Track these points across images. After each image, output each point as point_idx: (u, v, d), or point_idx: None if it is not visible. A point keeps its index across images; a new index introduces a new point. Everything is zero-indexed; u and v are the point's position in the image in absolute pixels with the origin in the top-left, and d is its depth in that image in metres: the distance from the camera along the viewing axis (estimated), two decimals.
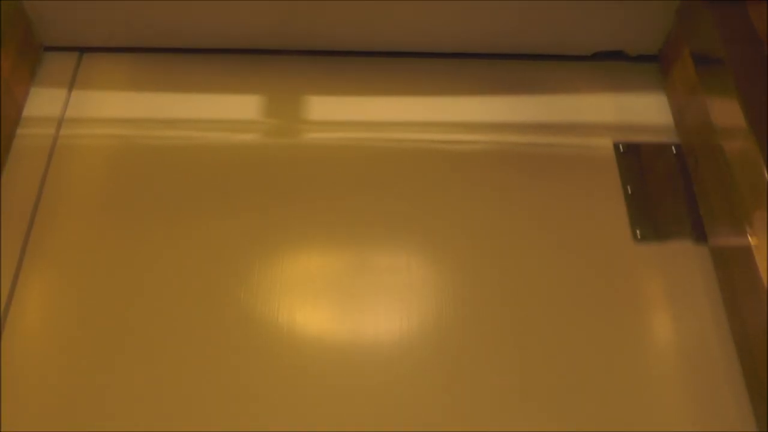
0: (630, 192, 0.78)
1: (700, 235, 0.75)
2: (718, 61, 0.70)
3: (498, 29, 0.85)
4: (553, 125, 0.84)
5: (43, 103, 0.82)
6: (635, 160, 0.81)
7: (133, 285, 0.71)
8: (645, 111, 0.85)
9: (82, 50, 0.87)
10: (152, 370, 0.67)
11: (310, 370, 0.67)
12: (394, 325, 0.70)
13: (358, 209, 0.77)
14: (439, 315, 0.70)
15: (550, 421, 0.65)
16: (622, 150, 0.81)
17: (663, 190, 0.78)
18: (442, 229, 0.76)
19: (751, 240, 0.65)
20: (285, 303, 0.71)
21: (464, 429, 0.65)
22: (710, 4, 0.73)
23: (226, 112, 0.83)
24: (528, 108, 0.85)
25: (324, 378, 0.67)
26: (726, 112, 0.69)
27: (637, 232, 0.76)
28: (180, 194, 0.77)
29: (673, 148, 0.81)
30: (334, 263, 0.74)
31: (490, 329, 0.70)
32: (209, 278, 0.72)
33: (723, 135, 0.71)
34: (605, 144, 0.82)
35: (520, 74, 0.88)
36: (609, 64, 0.89)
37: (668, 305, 0.72)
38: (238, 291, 0.71)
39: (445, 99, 0.85)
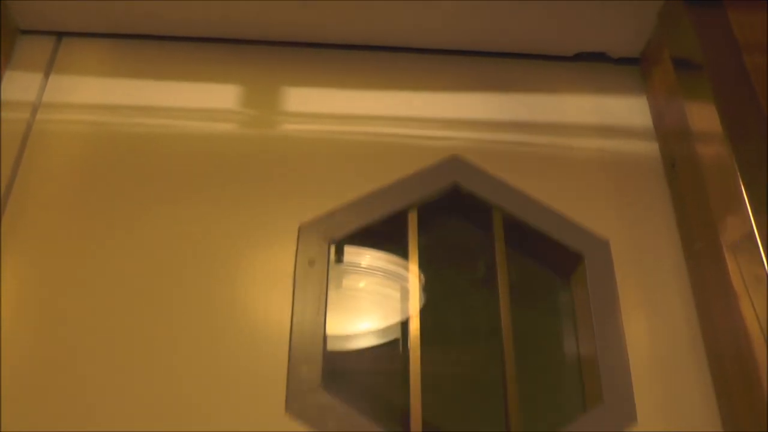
0: None
1: None
2: (698, 65, 0.71)
3: (482, 27, 0.85)
4: (534, 124, 0.84)
5: (18, 87, 0.81)
6: None
7: (107, 272, 0.71)
8: (625, 113, 0.86)
9: (61, 35, 0.86)
10: (125, 358, 0.66)
11: (284, 362, 0.67)
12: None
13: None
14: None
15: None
16: None
17: None
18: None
19: (723, 243, 0.65)
20: (261, 294, 0.70)
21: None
22: (691, 9, 0.73)
23: (204, 101, 0.83)
24: (509, 106, 0.85)
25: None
26: (703, 117, 0.70)
27: None
28: (156, 182, 0.76)
29: None
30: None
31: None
32: (184, 267, 0.71)
33: (699, 139, 0.71)
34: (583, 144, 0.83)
35: (502, 72, 0.88)
36: (591, 65, 0.89)
37: (643, 305, 0.72)
38: (213, 281, 0.71)
39: (425, 95, 0.85)
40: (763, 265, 0.58)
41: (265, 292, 0.71)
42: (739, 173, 0.62)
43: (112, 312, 0.69)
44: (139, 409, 0.64)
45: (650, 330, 0.71)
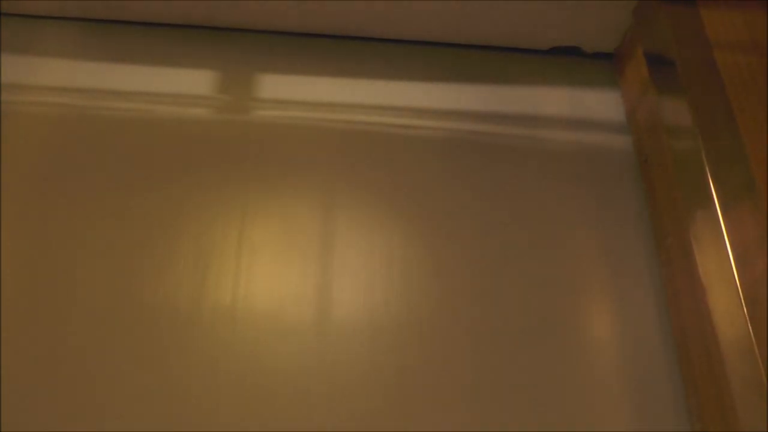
0: None
1: None
2: (670, 62, 0.71)
3: (458, 18, 0.85)
4: (508, 116, 0.84)
5: None
6: None
7: (75, 258, 0.70)
8: (598, 107, 0.86)
9: (31, 17, 0.85)
10: (96, 343, 0.65)
11: (261, 350, 0.67)
12: (344, 305, 0.70)
13: (308, 189, 0.76)
14: (386, 299, 0.71)
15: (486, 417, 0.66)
16: None
17: None
18: (392, 211, 0.76)
19: (692, 237, 0.66)
20: (233, 280, 0.70)
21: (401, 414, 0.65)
22: (664, 6, 0.74)
23: (178, 86, 0.82)
24: (483, 98, 0.85)
25: (278, 357, 0.67)
26: (674, 113, 0.71)
27: None
28: (126, 167, 0.76)
29: None
30: (282, 243, 0.73)
31: (438, 317, 0.70)
32: (153, 255, 0.71)
33: (671, 134, 0.72)
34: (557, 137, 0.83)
35: (477, 64, 0.88)
36: (565, 59, 0.89)
37: (613, 300, 0.73)
38: (182, 266, 0.70)
39: (399, 84, 0.85)
40: (730, 259, 0.59)
41: (245, 278, 0.70)
42: (708, 168, 0.63)
43: (79, 296, 0.68)
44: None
45: (620, 324, 0.71)
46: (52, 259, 0.70)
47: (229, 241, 0.72)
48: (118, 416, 0.63)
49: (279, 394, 0.65)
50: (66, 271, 0.69)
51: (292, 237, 0.74)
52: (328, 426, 0.64)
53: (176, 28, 0.86)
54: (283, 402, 0.65)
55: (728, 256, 0.59)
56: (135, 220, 0.73)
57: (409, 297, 0.71)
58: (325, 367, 0.67)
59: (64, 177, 0.75)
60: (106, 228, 0.72)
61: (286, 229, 0.74)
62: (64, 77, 0.81)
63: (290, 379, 0.66)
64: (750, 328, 0.56)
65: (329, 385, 0.66)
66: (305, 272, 0.71)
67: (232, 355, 0.66)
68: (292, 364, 0.66)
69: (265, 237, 0.73)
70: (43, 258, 0.70)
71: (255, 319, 0.68)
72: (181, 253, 0.71)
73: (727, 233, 0.60)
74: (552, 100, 0.86)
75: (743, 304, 0.57)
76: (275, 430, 0.63)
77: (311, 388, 0.66)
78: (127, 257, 0.71)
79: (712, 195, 0.62)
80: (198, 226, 0.73)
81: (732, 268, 0.59)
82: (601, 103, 0.86)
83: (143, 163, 0.76)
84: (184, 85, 0.82)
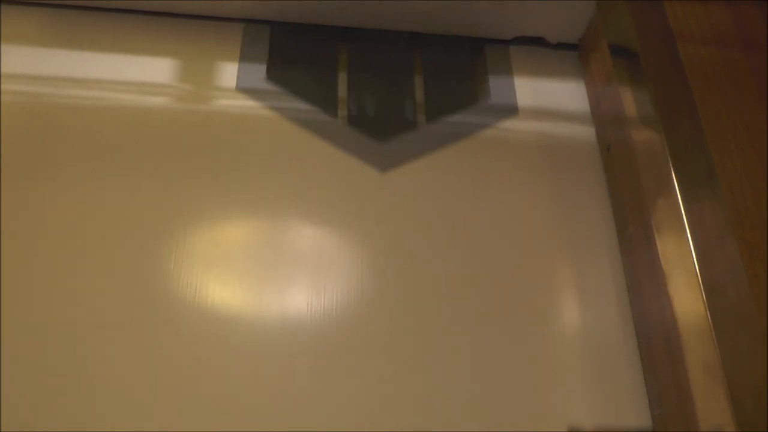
0: None
1: None
2: (634, 53, 0.72)
3: (420, 8, 0.85)
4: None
5: None
6: None
7: (36, 252, 0.68)
8: (563, 98, 0.87)
9: None
10: (54, 348, 0.64)
11: (218, 344, 0.66)
12: (307, 299, 0.70)
13: (270, 180, 0.76)
14: (354, 291, 0.70)
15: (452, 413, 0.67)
16: None
17: None
18: (357, 202, 0.76)
19: (654, 226, 0.67)
20: (193, 273, 0.69)
21: (369, 406, 0.65)
22: None
23: (139, 74, 0.81)
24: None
25: (233, 353, 0.66)
26: (637, 103, 0.72)
27: None
28: (87, 157, 0.74)
29: None
30: (243, 234, 0.73)
31: (399, 311, 0.70)
32: (113, 245, 0.70)
33: (633, 125, 0.73)
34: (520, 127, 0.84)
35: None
36: (529, 49, 0.90)
37: (575, 287, 0.74)
38: (142, 259, 0.69)
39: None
40: (690, 248, 0.60)
41: (204, 271, 0.70)
42: (669, 158, 0.64)
43: (37, 291, 0.67)
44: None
45: (581, 310, 0.72)
46: (6, 252, 0.68)
47: (187, 233, 0.72)
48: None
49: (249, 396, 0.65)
50: (23, 267, 0.68)
51: (248, 230, 0.73)
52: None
53: (136, 14, 0.84)
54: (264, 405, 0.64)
55: (689, 244, 0.60)
56: (94, 212, 0.71)
57: (371, 287, 0.71)
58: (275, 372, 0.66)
59: (22, 166, 0.73)
60: (65, 219, 0.71)
61: (243, 221, 0.74)
62: (24, 64, 0.79)
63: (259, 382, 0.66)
64: (708, 315, 0.58)
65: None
66: (265, 265, 0.71)
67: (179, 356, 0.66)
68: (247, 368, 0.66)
69: (224, 231, 0.73)
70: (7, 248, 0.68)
71: (208, 312, 0.68)
72: (137, 244, 0.70)
73: (687, 222, 0.61)
74: (515, 90, 0.87)
75: (702, 292, 0.58)
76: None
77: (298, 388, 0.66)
78: (86, 246, 0.69)
79: (674, 185, 0.63)
80: (157, 218, 0.72)
81: (692, 256, 0.60)
82: (566, 93, 0.87)
83: (104, 151, 0.75)
84: (145, 72, 0.81)
